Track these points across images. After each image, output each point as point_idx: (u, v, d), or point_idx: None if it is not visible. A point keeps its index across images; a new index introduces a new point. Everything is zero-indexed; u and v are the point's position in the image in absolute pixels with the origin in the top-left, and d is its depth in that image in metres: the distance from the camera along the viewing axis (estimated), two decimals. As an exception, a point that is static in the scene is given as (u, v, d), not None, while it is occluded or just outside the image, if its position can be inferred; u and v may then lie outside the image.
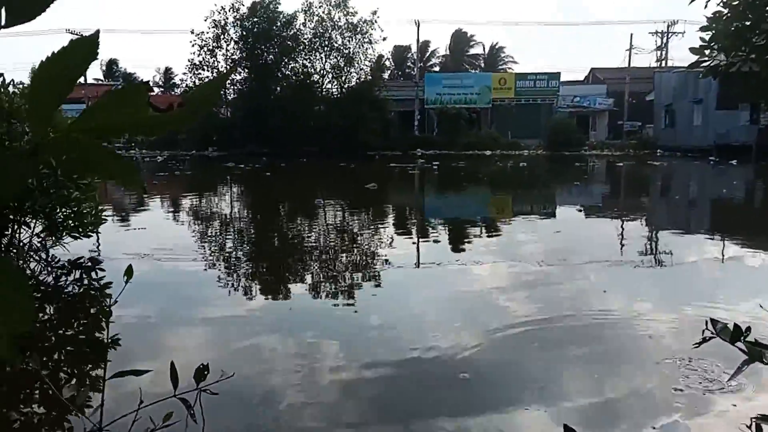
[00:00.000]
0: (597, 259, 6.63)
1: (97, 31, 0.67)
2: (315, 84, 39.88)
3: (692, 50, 3.59)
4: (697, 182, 20.80)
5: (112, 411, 1.79)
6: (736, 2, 3.27)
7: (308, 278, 6.22)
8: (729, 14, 3.29)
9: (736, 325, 1.82)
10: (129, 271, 1.71)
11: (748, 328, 1.82)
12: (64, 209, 5.88)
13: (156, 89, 50.17)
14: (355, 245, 8.00)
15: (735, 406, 2.95)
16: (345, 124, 36.61)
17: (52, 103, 0.68)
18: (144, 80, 0.74)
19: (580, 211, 12.44)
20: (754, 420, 1.83)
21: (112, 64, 55.55)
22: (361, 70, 40.37)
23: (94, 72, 52.14)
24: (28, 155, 0.66)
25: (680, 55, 52.88)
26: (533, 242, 8.05)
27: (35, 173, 5.17)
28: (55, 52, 0.67)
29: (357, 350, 3.83)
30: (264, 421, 2.89)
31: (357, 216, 11.43)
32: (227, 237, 9.01)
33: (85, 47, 0.67)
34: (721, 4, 3.29)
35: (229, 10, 39.18)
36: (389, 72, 53.04)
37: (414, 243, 8.26)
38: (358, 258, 7.16)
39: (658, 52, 49.72)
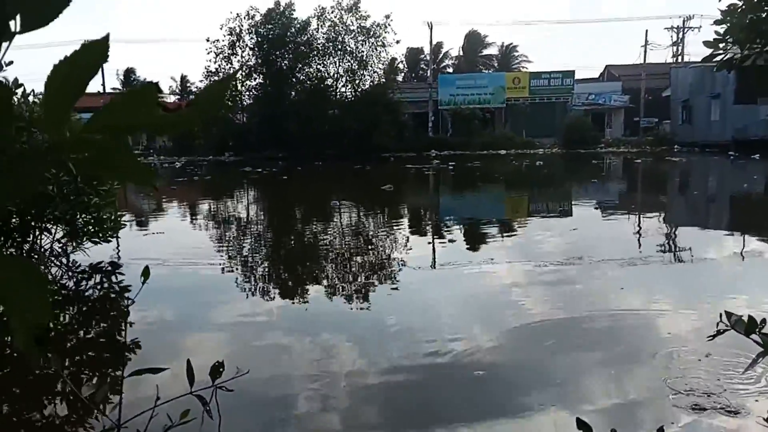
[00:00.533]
0: (615, 256, 6.57)
1: (107, 35, 0.71)
2: (329, 88, 40.06)
3: (706, 44, 3.56)
4: (720, 177, 20.50)
5: (130, 409, 1.83)
6: (751, -7, 3.23)
7: (326, 280, 6.25)
8: (744, 6, 3.26)
9: (750, 317, 1.81)
10: (146, 272, 1.75)
11: (764, 320, 1.81)
12: (84, 215, 5.99)
13: (172, 97, 50.75)
14: (373, 247, 8.03)
15: (757, 401, 2.91)
16: (359, 127, 36.75)
17: (66, 103, 0.71)
18: (151, 81, 0.77)
19: (598, 209, 12.34)
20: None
21: (129, 73, 56.23)
22: (374, 73, 40.48)
23: (112, 81, 52.86)
24: (43, 153, 0.69)
25: (697, 51, 52.25)
26: (551, 241, 8.01)
27: (51, 173, 5.28)
28: (68, 55, 0.70)
29: (373, 348, 3.85)
30: (280, 417, 2.92)
31: (374, 218, 11.46)
32: (246, 240, 9.09)
33: (96, 50, 0.70)
34: (736, -4, 3.25)
35: (245, 18, 39.58)
36: (403, 74, 53.02)
37: (430, 243, 8.27)
38: (376, 259, 7.19)
39: (674, 48, 49.09)
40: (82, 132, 0.72)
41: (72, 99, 0.71)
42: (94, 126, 0.72)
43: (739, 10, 3.25)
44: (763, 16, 3.23)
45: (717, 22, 3.36)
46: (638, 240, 8.11)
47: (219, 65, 39.81)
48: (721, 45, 3.48)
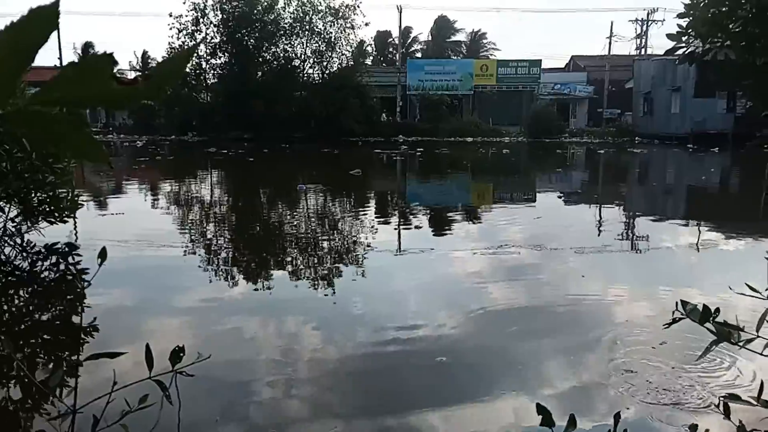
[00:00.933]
0: (577, 244, 6.70)
1: (57, 1, 0.66)
2: (296, 69, 39.51)
3: (669, 36, 3.61)
4: (679, 170, 21.08)
5: (86, 394, 1.78)
6: (713, -13, 3.29)
7: (290, 264, 6.20)
8: (706, 0, 3.31)
9: (705, 306, 1.86)
10: (103, 254, 1.69)
11: (717, 309, 1.86)
12: (39, 193, 5.77)
13: (132, 72, 49.33)
14: (339, 232, 7.99)
15: (710, 387, 3.02)
16: (327, 110, 36.42)
17: (12, 74, 0.67)
18: (108, 52, 0.73)
19: (561, 198, 12.55)
20: (721, 399, 1.88)
21: (87, 47, 54.18)
22: (342, 55, 40.12)
23: (69, 55, 50.95)
24: (-15, 125, 0.65)
25: (660, 43, 53.29)
26: (515, 229, 8.11)
27: (4, 149, 5.07)
28: (14, 21, 0.65)
29: (336, 333, 3.84)
30: (242, 402, 2.89)
31: (342, 203, 11.41)
32: (209, 223, 8.94)
33: (44, 16, 0.65)
34: (699, -10, 3.30)
35: (209, -7, 38.57)
36: (371, 58, 52.68)
37: (396, 229, 8.28)
38: (342, 244, 7.16)
39: (638, 40, 50.07)
40: (29, 104, 0.67)
41: (18, 69, 0.67)
42: (43, 98, 0.68)
43: (702, 4, 3.31)
44: (725, 10, 3.30)
45: (680, 16, 3.42)
46: (599, 229, 8.29)
47: (183, 42, 38.77)
48: (683, 38, 3.55)
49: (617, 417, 1.57)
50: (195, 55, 38.87)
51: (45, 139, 0.78)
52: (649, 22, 48.66)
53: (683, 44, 3.54)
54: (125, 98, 0.71)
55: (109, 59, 0.68)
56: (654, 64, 38.78)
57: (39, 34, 0.67)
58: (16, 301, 4.70)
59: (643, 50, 48.86)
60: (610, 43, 47.82)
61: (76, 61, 0.69)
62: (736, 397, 1.86)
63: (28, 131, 0.71)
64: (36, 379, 1.64)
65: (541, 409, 1.52)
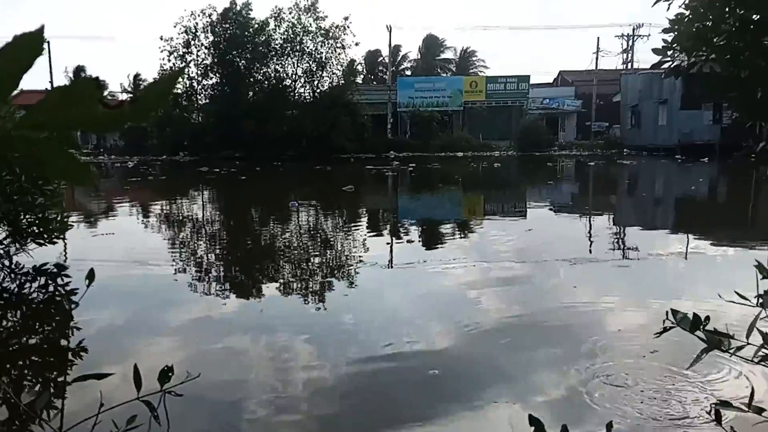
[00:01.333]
0: (568, 256, 6.72)
1: (42, 27, 0.67)
2: (287, 89, 39.75)
3: (655, 51, 3.68)
4: (669, 180, 21.26)
5: (73, 416, 1.76)
6: (696, 3, 3.35)
7: (282, 281, 6.18)
8: (691, 16, 3.38)
9: (695, 315, 1.88)
10: (91, 275, 1.68)
11: (707, 318, 1.88)
12: (28, 215, 5.75)
13: (124, 95, 49.40)
14: (333, 247, 7.98)
15: (701, 395, 3.03)
16: (319, 128, 36.61)
17: (-3, 99, 0.68)
18: (94, 76, 0.74)
19: (552, 210, 12.61)
20: (713, 405, 1.89)
21: (79, 71, 54.21)
22: (333, 74, 40.44)
23: (61, 79, 50.95)
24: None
25: (645, 57, 54.10)
26: (507, 241, 8.13)
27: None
28: (-1, 48, 0.66)
29: (328, 349, 3.82)
30: (232, 422, 2.87)
31: (336, 218, 11.41)
32: (199, 242, 8.90)
33: (29, 42, 0.67)
34: (683, 6, 3.36)
35: (199, 15, 38.89)
36: (362, 76, 53.05)
37: (389, 243, 8.28)
38: (336, 259, 7.15)
39: (624, 55, 50.89)
40: (15, 127, 0.68)
41: (3, 94, 0.68)
42: (29, 122, 0.69)
43: (686, 19, 3.37)
44: (709, 25, 3.37)
45: (665, 31, 3.48)
46: (590, 240, 8.32)
47: (174, 64, 38.94)
48: (669, 53, 3.61)
49: (609, 426, 1.57)
50: (186, 76, 39.08)
51: (32, 163, 0.78)
52: (635, 38, 49.53)
53: (669, 58, 3.61)
54: (112, 122, 0.72)
55: (95, 83, 0.69)
56: (641, 78, 39.32)
57: (24, 61, 0.68)
58: (4, 323, 4.65)
59: (629, 65, 49.62)
60: (597, 58, 48.60)
61: (63, 84, 0.70)
62: (727, 404, 1.87)
63: (15, 155, 0.72)
64: (22, 401, 1.62)
65: (533, 421, 1.52)
